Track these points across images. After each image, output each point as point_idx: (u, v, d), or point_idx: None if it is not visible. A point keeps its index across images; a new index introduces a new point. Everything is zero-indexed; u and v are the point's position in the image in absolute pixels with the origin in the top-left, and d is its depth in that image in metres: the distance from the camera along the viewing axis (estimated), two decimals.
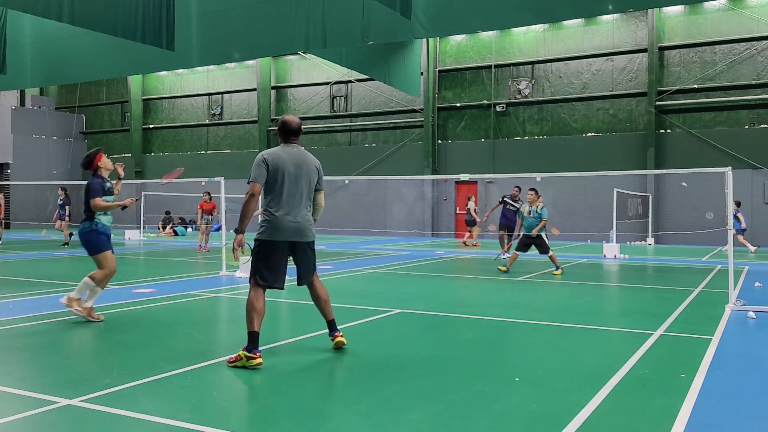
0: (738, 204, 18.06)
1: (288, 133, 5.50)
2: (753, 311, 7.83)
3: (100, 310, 7.75)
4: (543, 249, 12.53)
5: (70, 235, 18.78)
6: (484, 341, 6.43)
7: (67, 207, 19.85)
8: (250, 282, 5.34)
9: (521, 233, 12.77)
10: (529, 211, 12.47)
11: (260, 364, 5.08)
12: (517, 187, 15.73)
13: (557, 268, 12.44)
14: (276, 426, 3.85)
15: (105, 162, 7.40)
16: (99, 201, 7.10)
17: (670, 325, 7.15)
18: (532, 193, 12.47)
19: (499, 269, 12.76)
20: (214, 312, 8.26)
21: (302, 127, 5.61)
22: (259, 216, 5.61)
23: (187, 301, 8.81)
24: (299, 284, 5.63)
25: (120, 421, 3.87)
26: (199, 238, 18.28)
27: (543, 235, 12.46)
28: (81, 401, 4.20)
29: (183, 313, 8.00)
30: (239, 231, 5.30)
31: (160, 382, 4.71)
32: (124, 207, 7.26)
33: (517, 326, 7.17)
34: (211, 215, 18.36)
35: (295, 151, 5.45)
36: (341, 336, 5.73)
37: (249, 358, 5.05)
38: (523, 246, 12.67)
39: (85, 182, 7.33)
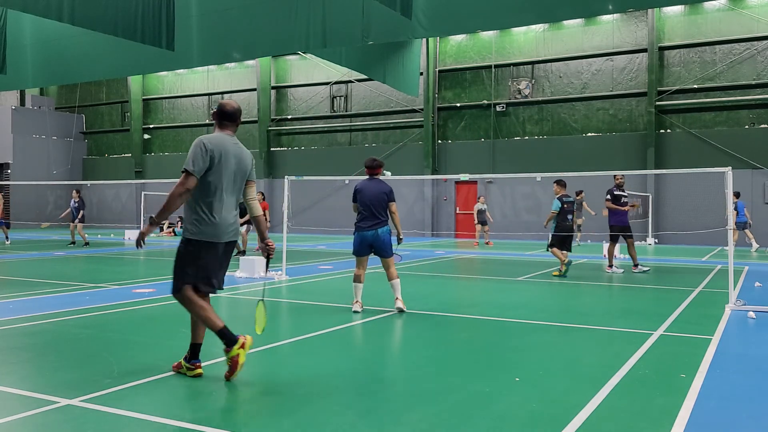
0: (737, 195, 17.65)
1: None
2: (753, 311, 7.83)
3: (99, 310, 7.75)
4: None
5: (71, 244, 19.33)
6: (484, 341, 6.42)
7: (81, 211, 19.85)
8: None
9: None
10: None
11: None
12: None
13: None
14: (276, 426, 3.85)
15: None
16: None
17: (670, 325, 7.15)
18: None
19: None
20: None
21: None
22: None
23: None
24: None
25: (120, 421, 3.87)
26: None
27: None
28: (81, 401, 4.19)
29: (183, 313, 7.96)
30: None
31: (160, 382, 4.71)
32: None
33: (517, 326, 7.16)
34: None
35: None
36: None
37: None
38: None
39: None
